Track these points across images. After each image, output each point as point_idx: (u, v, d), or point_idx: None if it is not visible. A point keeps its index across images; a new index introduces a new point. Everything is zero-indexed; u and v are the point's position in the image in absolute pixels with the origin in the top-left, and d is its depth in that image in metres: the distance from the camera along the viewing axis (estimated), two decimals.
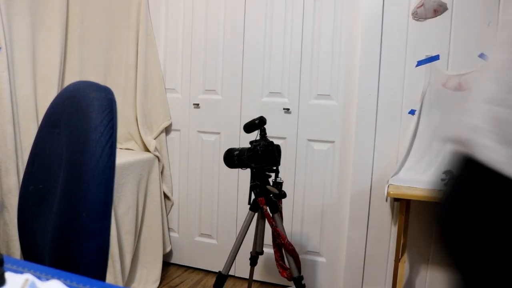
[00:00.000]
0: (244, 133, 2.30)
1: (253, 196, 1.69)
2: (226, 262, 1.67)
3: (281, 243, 1.61)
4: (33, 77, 1.97)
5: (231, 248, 2.25)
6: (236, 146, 2.35)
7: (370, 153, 2.05)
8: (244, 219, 2.22)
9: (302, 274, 2.19)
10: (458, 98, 1.87)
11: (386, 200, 2.05)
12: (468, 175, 0.75)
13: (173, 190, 2.53)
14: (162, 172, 2.44)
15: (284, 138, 2.24)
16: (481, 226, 0.73)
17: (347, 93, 2.10)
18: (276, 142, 2.24)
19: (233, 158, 1.68)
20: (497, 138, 0.69)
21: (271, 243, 1.74)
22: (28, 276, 0.49)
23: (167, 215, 2.54)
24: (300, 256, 2.27)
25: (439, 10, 1.77)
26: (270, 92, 2.24)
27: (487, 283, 0.75)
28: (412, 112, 1.98)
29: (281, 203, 1.71)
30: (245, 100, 2.29)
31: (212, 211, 2.45)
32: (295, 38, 2.16)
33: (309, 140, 2.20)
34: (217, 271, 2.49)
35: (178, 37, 2.41)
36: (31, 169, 0.90)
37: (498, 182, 0.69)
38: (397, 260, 1.79)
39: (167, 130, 2.50)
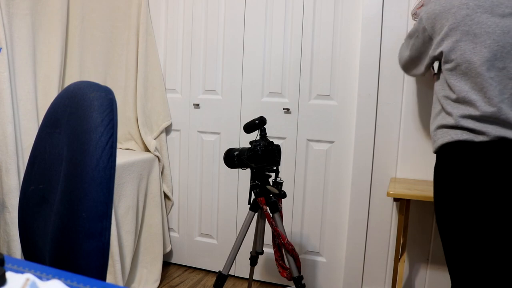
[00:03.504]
0: (244, 133, 2.31)
1: (253, 196, 1.69)
2: (226, 262, 1.67)
3: (281, 243, 1.61)
4: (33, 77, 1.97)
5: (231, 248, 2.25)
6: (236, 146, 2.35)
7: (370, 153, 2.05)
8: (244, 219, 2.22)
9: (302, 274, 2.20)
10: None
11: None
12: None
13: (173, 190, 2.53)
14: (162, 172, 2.44)
15: (284, 138, 2.24)
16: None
17: (347, 93, 2.10)
18: (276, 142, 2.24)
19: (233, 158, 1.68)
20: None
21: (271, 243, 1.75)
22: (28, 276, 0.50)
23: (167, 215, 2.54)
24: (300, 256, 2.28)
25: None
26: (270, 92, 2.24)
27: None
28: None
29: (281, 203, 1.71)
30: (245, 100, 2.29)
31: (212, 211, 2.45)
32: (295, 38, 2.16)
33: (309, 140, 2.20)
34: (217, 271, 2.49)
35: (178, 37, 2.41)
36: (32, 169, 0.91)
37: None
38: (396, 260, 1.79)
39: (167, 130, 2.50)
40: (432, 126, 1.34)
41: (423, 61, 1.42)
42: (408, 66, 1.54)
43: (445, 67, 1.27)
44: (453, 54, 1.23)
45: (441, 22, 1.26)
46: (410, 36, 1.45)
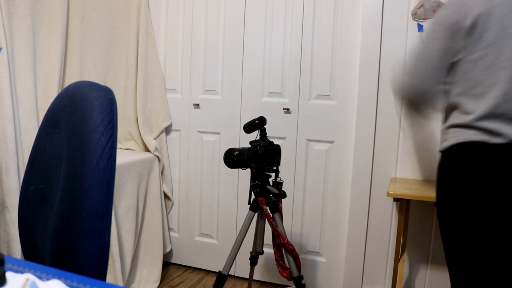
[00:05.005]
0: (244, 133, 2.31)
1: (253, 196, 1.69)
2: (226, 262, 1.67)
3: (281, 243, 1.61)
4: (33, 77, 1.97)
5: (231, 248, 2.25)
6: (236, 146, 2.35)
7: (370, 153, 2.05)
8: (244, 219, 2.22)
9: (302, 274, 2.20)
10: None
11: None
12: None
13: (173, 190, 2.53)
14: (162, 172, 2.44)
15: (284, 138, 2.24)
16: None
17: (347, 93, 2.10)
18: (276, 142, 2.24)
19: (233, 158, 1.68)
20: None
21: (271, 243, 1.75)
22: (28, 276, 0.50)
23: (167, 215, 2.54)
24: (300, 256, 2.28)
25: (439, 10, 1.77)
26: (270, 92, 2.24)
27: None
28: None
29: (281, 203, 1.71)
30: (245, 100, 2.29)
31: (212, 211, 2.45)
32: (295, 38, 2.16)
33: (309, 140, 2.20)
34: (217, 271, 2.49)
35: (178, 37, 2.41)
36: (32, 169, 0.91)
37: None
38: (396, 260, 1.79)
39: (167, 130, 2.50)
40: (443, 125, 1.28)
41: (442, 66, 1.24)
42: (416, 87, 1.28)
43: (468, 58, 1.19)
44: (479, 45, 1.17)
45: (466, 13, 1.18)
46: (417, 54, 1.28)
